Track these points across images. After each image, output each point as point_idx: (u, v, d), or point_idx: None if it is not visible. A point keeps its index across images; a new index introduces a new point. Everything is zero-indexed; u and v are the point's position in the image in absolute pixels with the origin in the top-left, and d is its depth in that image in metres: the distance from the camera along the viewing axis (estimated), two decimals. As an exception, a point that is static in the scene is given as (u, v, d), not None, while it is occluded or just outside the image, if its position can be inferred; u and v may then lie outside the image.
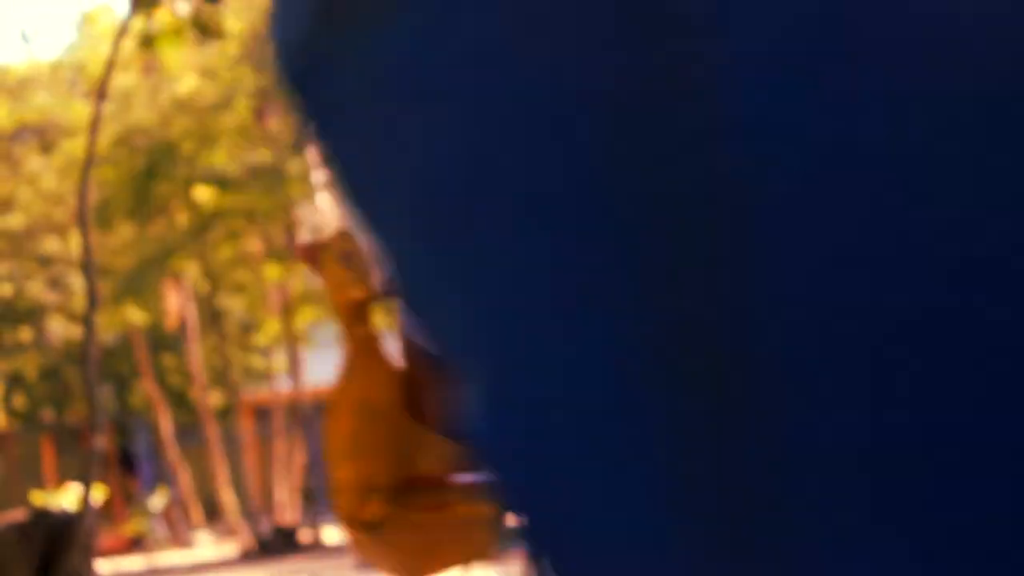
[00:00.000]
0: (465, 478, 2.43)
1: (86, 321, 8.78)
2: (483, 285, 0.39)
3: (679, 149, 0.35)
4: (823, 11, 0.33)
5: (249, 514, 18.60)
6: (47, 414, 22.70)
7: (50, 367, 21.95)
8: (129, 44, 10.54)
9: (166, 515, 20.52)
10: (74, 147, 17.33)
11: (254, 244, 18.28)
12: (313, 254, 2.30)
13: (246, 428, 20.79)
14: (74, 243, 18.78)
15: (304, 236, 16.36)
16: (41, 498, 15.20)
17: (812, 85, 0.34)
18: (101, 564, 11.10)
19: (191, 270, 18.81)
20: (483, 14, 0.37)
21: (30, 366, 21.88)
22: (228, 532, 19.34)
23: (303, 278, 18.95)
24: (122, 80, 16.94)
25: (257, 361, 21.38)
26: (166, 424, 20.02)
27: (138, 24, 9.41)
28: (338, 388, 2.31)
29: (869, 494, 0.34)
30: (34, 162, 19.98)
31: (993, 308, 0.33)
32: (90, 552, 8.14)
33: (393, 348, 2.43)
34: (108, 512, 21.05)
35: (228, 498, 19.02)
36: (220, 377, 20.53)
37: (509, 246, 0.38)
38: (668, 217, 0.36)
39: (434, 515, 2.41)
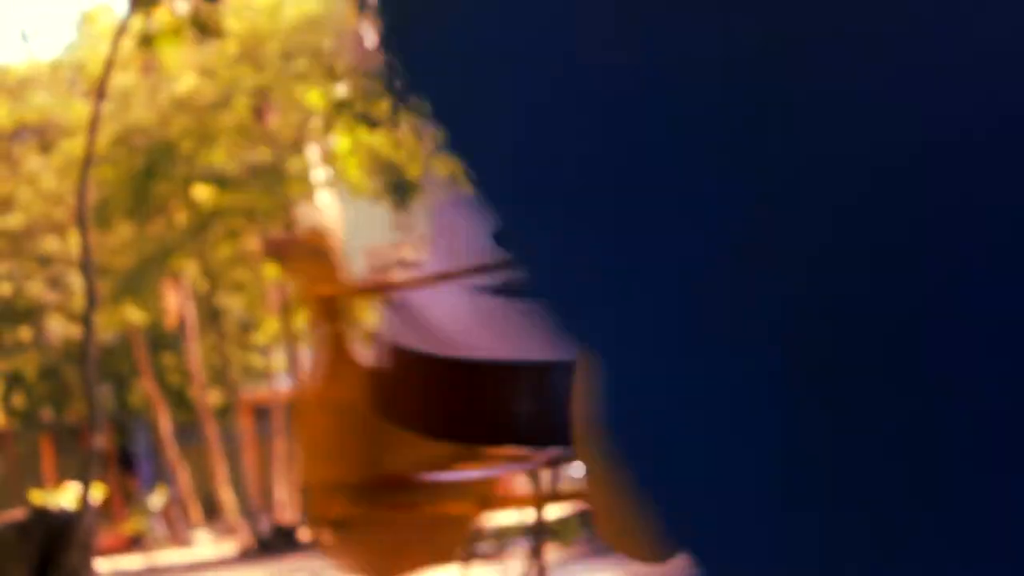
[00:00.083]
0: (435, 478, 2.41)
1: (85, 320, 8.78)
2: (634, 281, 0.39)
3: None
4: None
5: (248, 513, 18.59)
6: (46, 413, 22.70)
7: (49, 366, 21.94)
8: (128, 43, 10.52)
9: (165, 514, 20.52)
10: (73, 146, 17.32)
11: (253, 243, 18.28)
12: (282, 250, 2.28)
13: (245, 427, 20.79)
14: (73, 242, 18.76)
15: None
16: (40, 497, 15.19)
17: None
18: (100, 563, 11.09)
19: (190, 269, 18.81)
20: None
21: (29, 365, 21.87)
22: (227, 531, 19.33)
23: (302, 277, 18.93)
24: (121, 79, 16.93)
25: (256, 360, 21.38)
26: (165, 423, 20.01)
27: (137, 23, 9.40)
28: (307, 387, 2.29)
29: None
30: (33, 161, 19.97)
31: None
32: (89, 551, 8.13)
33: (364, 346, 2.40)
34: (107, 511, 21.03)
35: (227, 497, 19.02)
36: (219, 376, 20.52)
37: (662, 245, 0.38)
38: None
39: (403, 514, 2.39)
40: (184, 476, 19.93)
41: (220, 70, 17.67)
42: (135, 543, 20.08)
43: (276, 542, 17.27)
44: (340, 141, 14.87)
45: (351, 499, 2.32)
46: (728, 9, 0.37)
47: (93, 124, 9.13)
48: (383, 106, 10.27)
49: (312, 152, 18.08)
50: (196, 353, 19.27)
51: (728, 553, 0.42)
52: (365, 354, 2.40)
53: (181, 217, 17.91)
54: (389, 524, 2.43)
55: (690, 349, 0.39)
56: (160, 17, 9.25)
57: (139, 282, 18.69)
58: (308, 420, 2.31)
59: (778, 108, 0.36)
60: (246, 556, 17.10)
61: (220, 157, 17.70)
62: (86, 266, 8.82)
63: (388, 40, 0.47)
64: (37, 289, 21.07)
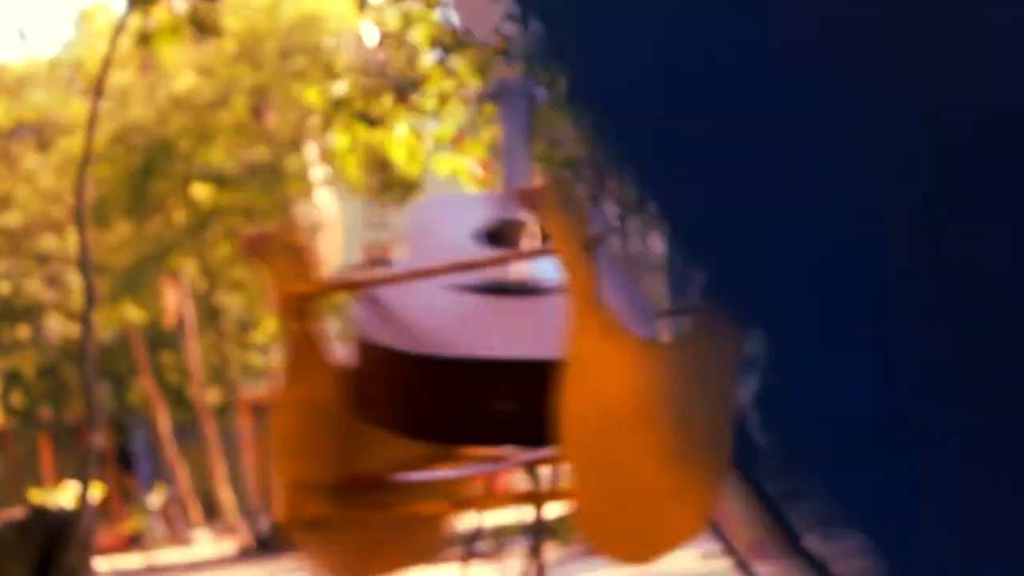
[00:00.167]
0: (410, 477, 2.39)
1: (84, 319, 8.76)
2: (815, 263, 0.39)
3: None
4: None
5: (248, 512, 18.59)
6: (45, 412, 22.68)
7: (48, 365, 21.93)
8: (126, 41, 10.50)
9: (164, 513, 20.51)
10: (71, 145, 17.31)
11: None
12: (256, 246, 2.26)
13: (244, 426, 20.78)
14: (71, 241, 18.75)
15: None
16: (39, 496, 15.17)
17: None
18: (99, 562, 11.09)
19: (189, 268, 18.79)
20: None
21: (28, 364, 21.86)
22: (227, 530, 19.33)
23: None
24: (119, 78, 16.92)
25: (255, 359, 21.38)
26: (164, 422, 20.00)
27: (135, 21, 9.39)
28: (280, 386, 2.27)
29: None
30: (31, 160, 19.95)
31: None
32: (88, 550, 8.12)
33: (338, 344, 2.38)
34: (106, 510, 21.03)
35: (226, 496, 19.01)
36: (218, 375, 20.51)
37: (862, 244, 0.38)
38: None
39: (378, 515, 2.37)
40: (183, 475, 19.92)
41: (218, 68, 17.66)
42: (134, 542, 20.07)
43: (275, 541, 17.26)
44: (338, 139, 14.86)
45: (324, 499, 2.29)
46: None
47: (91, 122, 9.12)
48: (384, 104, 10.26)
49: (310, 150, 18.07)
50: (195, 352, 19.25)
51: (907, 541, 0.42)
52: (339, 352, 2.38)
53: (180, 215, 17.89)
54: (363, 524, 2.40)
55: (873, 333, 0.39)
56: (158, 15, 9.24)
57: (138, 281, 18.68)
58: (280, 419, 2.28)
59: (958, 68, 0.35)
60: (245, 555, 17.09)
61: (218, 155, 17.69)
62: (84, 264, 8.81)
63: (537, 21, 0.49)
64: (35, 287, 21.05)
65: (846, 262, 0.39)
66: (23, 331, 21.51)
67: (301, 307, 2.27)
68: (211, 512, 21.13)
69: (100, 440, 9.75)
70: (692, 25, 0.41)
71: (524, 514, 3.23)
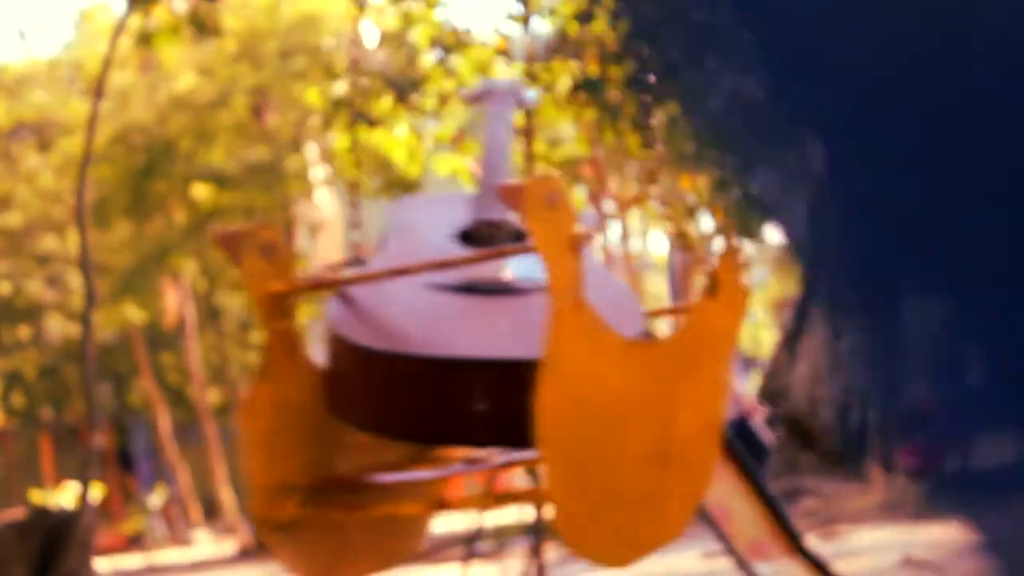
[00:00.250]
0: (386, 479, 2.36)
1: (84, 319, 8.77)
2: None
3: None
4: None
5: (248, 512, 18.56)
6: (45, 412, 22.68)
7: (48, 365, 21.92)
8: (126, 42, 10.51)
9: (165, 513, 20.50)
10: (72, 145, 17.30)
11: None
12: (231, 243, 2.23)
13: (245, 426, 20.74)
14: (72, 241, 18.74)
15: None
16: (39, 496, 15.17)
17: None
18: (100, 562, 11.09)
19: (189, 268, 18.78)
20: None
21: (28, 364, 21.85)
22: (227, 530, 19.32)
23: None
24: (119, 78, 16.91)
25: (256, 359, 21.34)
26: (164, 422, 20.00)
27: (135, 22, 9.39)
28: (254, 385, 2.23)
29: None
30: (31, 160, 19.95)
31: None
32: (89, 550, 8.12)
33: (315, 343, 2.35)
34: (106, 510, 21.01)
35: (227, 496, 19.01)
36: (218, 375, 20.50)
37: None
38: None
39: (352, 516, 2.34)
40: (184, 475, 19.92)
41: (218, 68, 17.65)
42: (134, 542, 20.07)
43: (276, 541, 17.24)
44: (339, 139, 14.85)
45: (298, 501, 2.26)
46: None
47: (91, 122, 9.12)
48: (384, 104, 10.25)
49: (311, 150, 18.07)
50: (195, 352, 19.25)
51: None
52: (315, 352, 2.35)
53: (180, 216, 17.88)
54: (337, 527, 2.37)
55: None
56: (158, 15, 9.24)
57: (138, 281, 18.66)
58: (254, 419, 2.25)
59: None
60: (246, 555, 17.08)
61: (219, 156, 17.67)
62: (85, 265, 8.81)
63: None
64: (36, 288, 21.05)
65: None
66: (24, 331, 21.50)
67: (276, 306, 2.22)
68: (211, 512, 21.12)
69: (100, 440, 9.74)
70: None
71: (525, 514, 3.22)
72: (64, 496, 13.15)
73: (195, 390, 19.42)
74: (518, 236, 2.33)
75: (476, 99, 2.57)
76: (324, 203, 19.35)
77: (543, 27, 10.34)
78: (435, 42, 9.86)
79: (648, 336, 2.26)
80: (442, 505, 2.38)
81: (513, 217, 2.32)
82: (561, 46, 9.97)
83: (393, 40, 10.66)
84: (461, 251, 2.34)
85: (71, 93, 19.87)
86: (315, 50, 17.14)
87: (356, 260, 2.50)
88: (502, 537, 7.66)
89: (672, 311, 2.61)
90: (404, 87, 10.42)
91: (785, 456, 8.57)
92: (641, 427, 2.07)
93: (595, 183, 16.81)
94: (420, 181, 13.48)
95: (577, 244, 2.04)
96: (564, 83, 9.55)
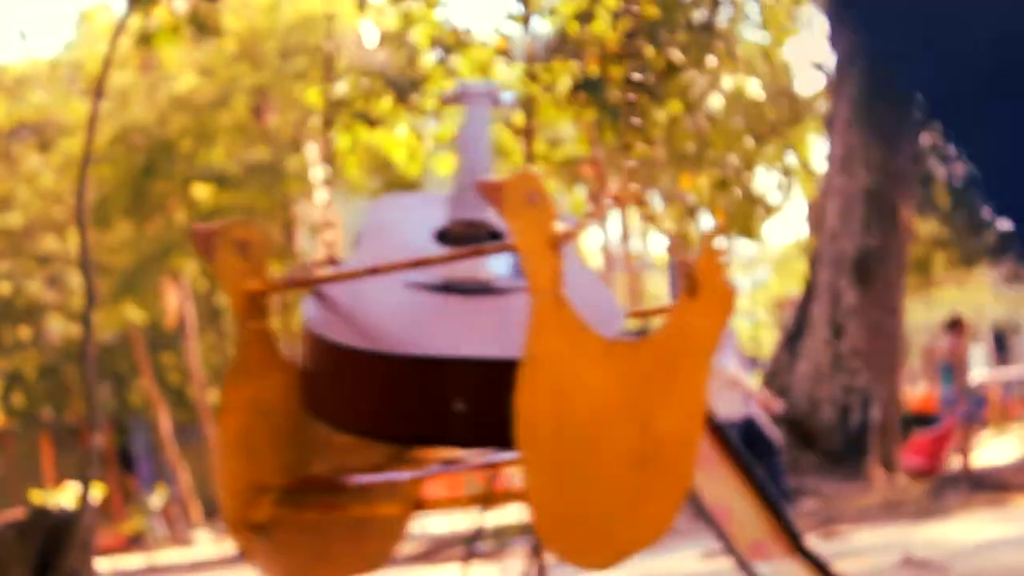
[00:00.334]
0: (363, 479, 2.33)
1: (84, 319, 8.76)
2: None
3: None
4: None
5: (222, 513, 18.54)
6: (46, 412, 22.68)
7: (49, 365, 21.92)
8: (127, 42, 10.50)
9: (165, 513, 20.49)
10: (72, 145, 17.30)
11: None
12: (205, 240, 2.20)
13: (245, 426, 20.75)
14: (72, 241, 18.75)
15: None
16: (40, 496, 15.16)
17: None
18: (100, 562, 11.09)
19: (189, 268, 18.79)
20: None
21: (29, 364, 21.85)
22: (228, 530, 19.30)
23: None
24: (120, 78, 16.91)
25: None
26: (165, 422, 19.99)
27: (136, 22, 9.39)
28: (229, 384, 2.20)
29: None
30: (32, 160, 19.95)
31: None
32: (89, 551, 8.11)
33: (291, 342, 2.32)
34: (107, 510, 21.01)
35: (227, 496, 18.97)
36: (219, 375, 20.50)
37: None
38: None
39: (329, 518, 2.30)
40: (184, 475, 19.91)
41: (219, 69, 17.65)
42: (135, 543, 20.06)
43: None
44: (339, 139, 14.86)
45: (273, 502, 2.22)
46: None
47: (92, 123, 9.11)
48: (384, 104, 10.25)
49: (311, 150, 18.07)
50: (196, 352, 19.25)
51: None
52: (292, 351, 2.32)
53: (180, 216, 17.88)
54: (314, 528, 2.33)
55: None
56: (159, 15, 9.23)
57: (138, 281, 18.67)
58: (229, 419, 2.22)
59: None
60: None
61: (219, 156, 17.68)
62: (85, 265, 8.80)
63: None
64: (36, 288, 21.05)
65: None
66: (24, 332, 21.50)
67: (251, 304, 2.19)
68: (212, 512, 21.11)
69: (101, 440, 9.74)
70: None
71: (526, 514, 3.20)
72: (64, 496, 13.15)
73: (195, 390, 19.42)
74: (495, 236, 2.30)
75: (453, 100, 2.55)
76: (324, 203, 19.34)
77: (543, 27, 10.35)
78: (435, 42, 9.85)
79: (628, 336, 2.23)
80: (420, 506, 2.35)
81: (490, 216, 2.29)
82: (561, 46, 9.97)
83: (393, 40, 10.66)
84: (439, 250, 2.30)
85: (71, 93, 19.87)
86: (315, 50, 17.14)
87: (331, 260, 2.47)
88: (503, 537, 7.66)
89: (654, 312, 2.58)
90: (404, 87, 10.42)
91: (786, 456, 8.57)
92: (621, 428, 2.04)
93: (595, 183, 16.81)
94: (420, 181, 13.48)
95: (557, 242, 2.01)
96: (564, 83, 9.55)
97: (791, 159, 18.76)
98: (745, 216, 18.86)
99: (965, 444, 10.89)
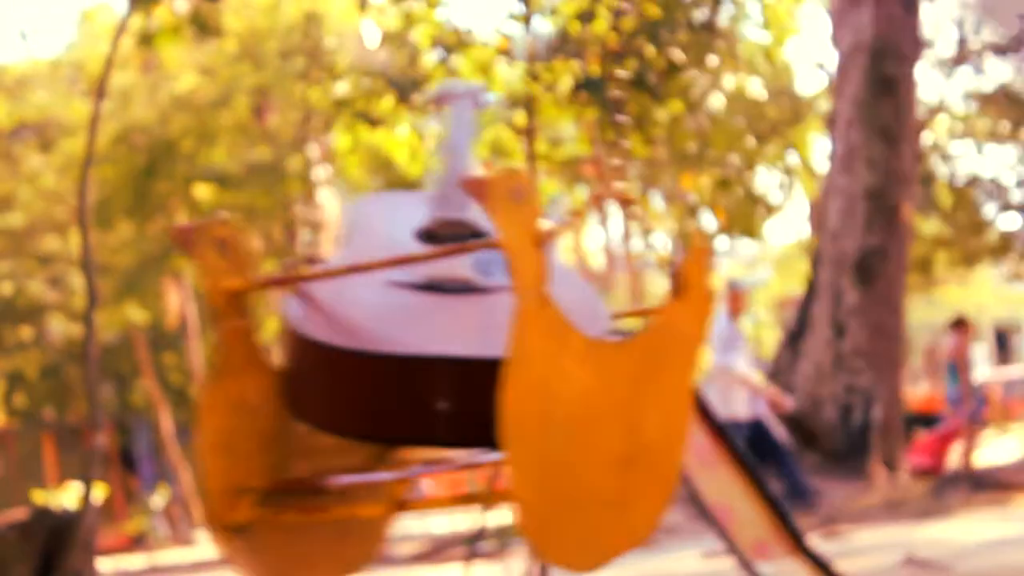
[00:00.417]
0: (345, 480, 2.30)
1: (86, 319, 8.76)
2: None
3: None
4: None
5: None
6: (48, 412, 22.67)
7: (51, 365, 21.92)
8: (128, 42, 10.50)
9: (167, 513, 20.49)
10: (73, 145, 17.30)
11: (253, 242, 18.26)
12: (185, 238, 2.18)
13: (247, 426, 20.73)
14: (74, 241, 18.75)
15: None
16: (42, 497, 15.17)
17: None
18: (102, 562, 11.09)
19: (191, 268, 18.78)
20: None
21: (31, 365, 21.85)
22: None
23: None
24: (121, 78, 16.91)
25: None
26: (167, 422, 19.99)
27: (137, 22, 9.39)
28: (209, 384, 2.18)
29: None
30: (33, 160, 19.95)
31: None
32: (91, 551, 8.12)
33: (272, 342, 2.31)
34: (109, 510, 21.01)
35: (229, 496, 18.97)
36: (220, 375, 20.48)
37: None
38: None
39: (311, 519, 2.28)
40: (186, 475, 19.90)
41: (220, 69, 17.65)
42: (137, 543, 20.05)
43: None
44: (340, 139, 14.86)
45: (253, 503, 2.20)
46: None
47: (93, 123, 9.12)
48: (385, 104, 10.25)
49: (312, 150, 18.06)
50: (197, 352, 19.24)
51: None
52: (272, 350, 2.30)
53: (182, 216, 17.87)
54: (295, 530, 2.30)
55: None
56: (160, 16, 9.24)
57: (140, 281, 18.66)
58: (209, 419, 2.19)
59: None
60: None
61: (220, 156, 17.67)
62: (87, 265, 8.81)
63: None
64: (38, 288, 21.05)
65: None
66: (26, 332, 21.50)
67: (232, 303, 2.17)
68: (214, 512, 21.08)
69: (103, 441, 9.74)
70: None
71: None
72: (66, 496, 13.15)
73: (197, 390, 19.39)
74: (477, 236, 2.28)
75: (436, 101, 2.54)
76: (325, 203, 19.33)
77: (545, 26, 10.34)
78: (437, 42, 9.85)
79: (613, 336, 2.21)
80: (402, 507, 2.32)
81: (473, 216, 2.27)
82: (563, 45, 9.96)
83: (395, 40, 10.66)
84: (421, 249, 2.28)
85: (73, 93, 19.86)
86: (316, 50, 17.14)
87: (313, 258, 2.46)
88: (504, 537, 7.65)
89: (641, 312, 2.56)
90: (406, 87, 10.41)
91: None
92: (606, 428, 2.02)
93: (596, 182, 16.80)
94: (421, 180, 13.48)
95: (542, 239, 1.99)
96: (566, 82, 9.55)
97: (792, 158, 18.75)
98: (746, 215, 18.85)
99: (970, 443, 10.89)
